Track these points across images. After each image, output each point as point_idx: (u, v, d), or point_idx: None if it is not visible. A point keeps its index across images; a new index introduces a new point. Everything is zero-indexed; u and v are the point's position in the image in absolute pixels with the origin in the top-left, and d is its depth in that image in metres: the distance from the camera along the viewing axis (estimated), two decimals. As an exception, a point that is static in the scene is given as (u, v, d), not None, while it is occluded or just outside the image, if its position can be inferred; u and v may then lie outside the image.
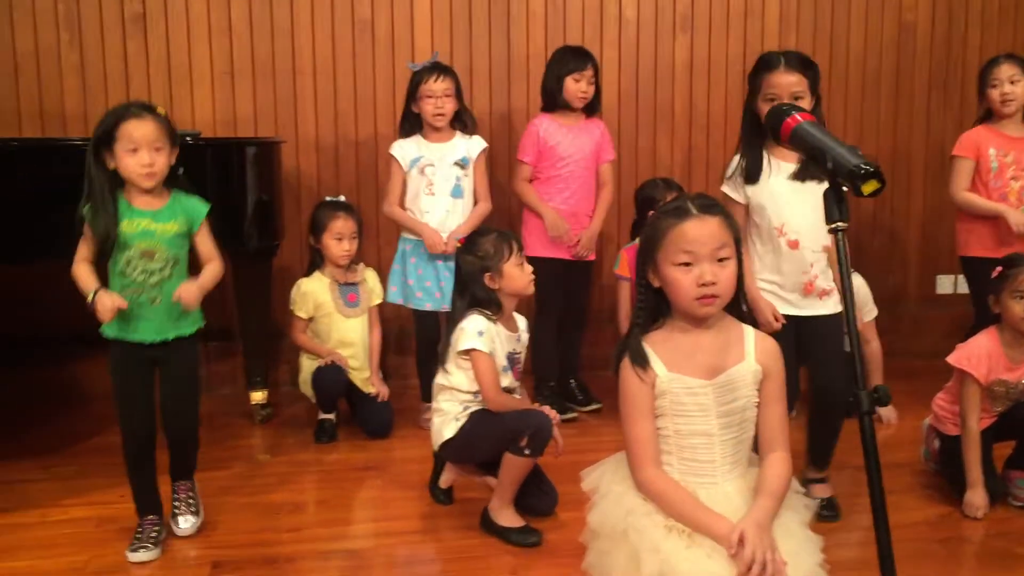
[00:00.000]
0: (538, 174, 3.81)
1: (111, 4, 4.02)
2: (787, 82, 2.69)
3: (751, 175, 2.75)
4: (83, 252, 2.53)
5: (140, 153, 2.48)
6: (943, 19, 4.65)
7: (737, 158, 2.81)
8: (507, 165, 4.34)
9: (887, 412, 3.84)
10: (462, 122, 3.72)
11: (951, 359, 2.95)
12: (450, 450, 2.82)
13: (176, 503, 2.76)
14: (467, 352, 2.72)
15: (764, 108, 2.70)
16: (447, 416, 2.79)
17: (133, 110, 2.50)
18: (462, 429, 2.75)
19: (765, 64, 2.75)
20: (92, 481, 3.14)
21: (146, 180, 2.50)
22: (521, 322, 2.91)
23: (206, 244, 2.67)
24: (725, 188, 2.84)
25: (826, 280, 2.79)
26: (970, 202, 3.64)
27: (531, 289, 2.84)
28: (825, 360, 2.81)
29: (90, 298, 2.47)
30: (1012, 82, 3.59)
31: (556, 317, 3.88)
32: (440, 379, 2.82)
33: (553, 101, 3.79)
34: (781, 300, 2.79)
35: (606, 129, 3.91)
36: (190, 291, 2.54)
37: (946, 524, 2.86)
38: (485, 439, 2.73)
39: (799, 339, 2.77)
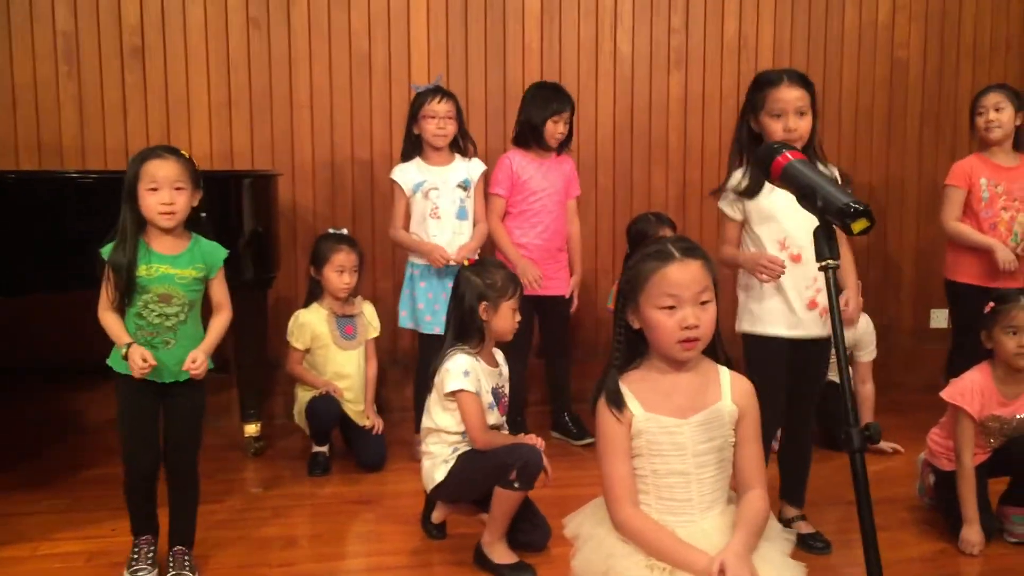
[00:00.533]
0: (510, 208, 3.84)
1: (110, 37, 4.05)
2: (793, 96, 2.71)
3: (752, 190, 2.74)
4: (107, 297, 2.53)
5: (161, 192, 2.50)
6: (935, 55, 4.70)
7: (738, 174, 2.80)
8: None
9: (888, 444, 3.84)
10: (461, 146, 3.76)
11: (944, 394, 2.95)
12: (442, 492, 2.80)
13: (171, 563, 2.67)
14: (453, 394, 2.72)
15: (769, 123, 2.73)
16: (436, 459, 2.78)
17: (157, 151, 2.55)
18: (452, 471, 2.74)
19: (768, 80, 2.77)
20: (84, 515, 3.13)
21: (165, 219, 2.52)
22: (499, 355, 2.91)
23: (220, 291, 2.69)
24: (721, 204, 2.84)
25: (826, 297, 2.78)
26: (960, 232, 3.68)
27: (510, 337, 2.85)
28: (803, 384, 2.84)
29: (124, 352, 2.50)
30: (997, 109, 3.66)
31: (526, 355, 3.89)
32: (426, 422, 2.81)
33: (529, 138, 3.83)
34: (780, 323, 2.78)
35: (575, 166, 3.98)
36: (201, 362, 2.57)
37: (942, 560, 2.84)
38: (476, 478, 2.73)
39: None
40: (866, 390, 3.93)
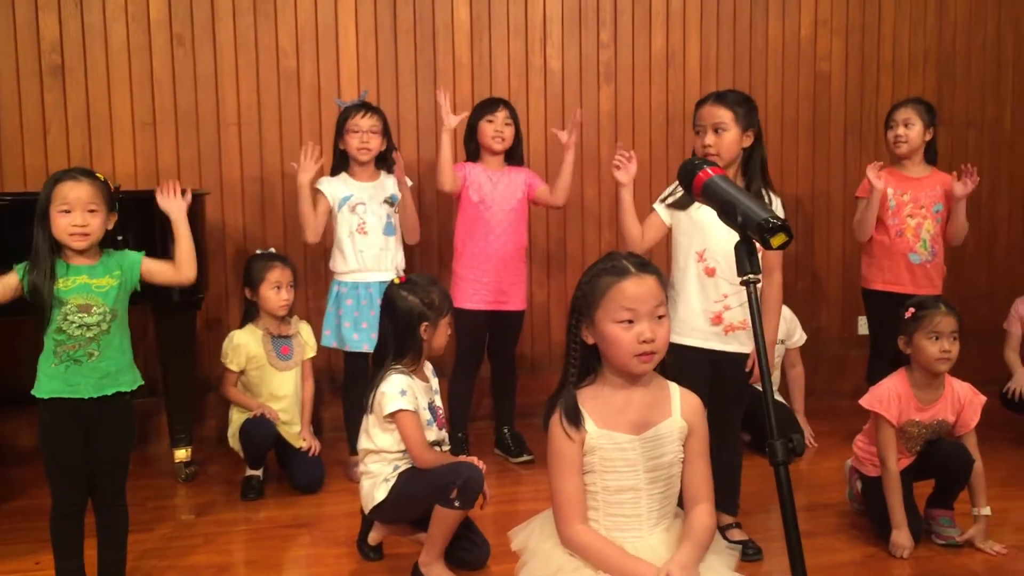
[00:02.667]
0: (460, 218, 3.84)
1: (28, 55, 3.95)
2: (709, 113, 2.84)
3: (683, 203, 2.84)
4: None
5: (73, 214, 2.46)
6: (856, 69, 4.82)
7: (675, 185, 2.87)
8: (435, 213, 4.36)
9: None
10: (388, 162, 3.74)
11: (863, 401, 3.01)
12: (383, 512, 2.77)
13: None
14: (392, 415, 2.69)
15: (695, 140, 2.88)
16: (377, 478, 2.75)
17: (71, 173, 2.51)
18: (393, 489, 2.71)
19: (700, 101, 2.92)
20: (6, 547, 3.02)
21: (76, 241, 2.48)
22: (428, 368, 2.90)
23: (159, 264, 2.70)
24: (656, 206, 2.93)
25: (736, 315, 2.84)
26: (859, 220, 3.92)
27: (441, 351, 2.85)
28: (723, 394, 2.88)
29: None
30: (906, 125, 3.82)
31: (474, 369, 3.89)
32: (365, 444, 2.78)
33: (472, 149, 3.85)
34: (688, 334, 2.83)
35: (531, 171, 3.95)
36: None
37: (872, 564, 2.89)
38: (417, 496, 2.70)
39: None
40: (796, 373, 4.16)
